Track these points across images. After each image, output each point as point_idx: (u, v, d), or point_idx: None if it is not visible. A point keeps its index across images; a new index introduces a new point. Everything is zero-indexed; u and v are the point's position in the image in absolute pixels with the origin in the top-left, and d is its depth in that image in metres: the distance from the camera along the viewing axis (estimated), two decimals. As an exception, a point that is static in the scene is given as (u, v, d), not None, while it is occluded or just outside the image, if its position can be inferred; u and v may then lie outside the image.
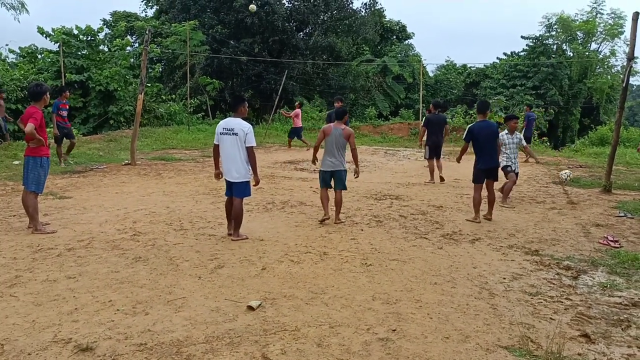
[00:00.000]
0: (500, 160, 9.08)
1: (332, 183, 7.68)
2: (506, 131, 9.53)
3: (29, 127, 6.46)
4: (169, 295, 4.69)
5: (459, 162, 8.92)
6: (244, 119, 6.67)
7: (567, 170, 9.42)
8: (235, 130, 6.41)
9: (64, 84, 17.82)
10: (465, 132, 8.22)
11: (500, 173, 8.68)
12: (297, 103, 21.46)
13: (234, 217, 6.66)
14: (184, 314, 4.30)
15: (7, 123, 15.60)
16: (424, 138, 12.12)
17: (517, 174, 9.67)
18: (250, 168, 6.57)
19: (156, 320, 4.16)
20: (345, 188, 7.73)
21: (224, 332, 3.96)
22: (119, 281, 5.03)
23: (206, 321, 4.15)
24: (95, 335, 3.85)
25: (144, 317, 4.22)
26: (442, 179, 11.77)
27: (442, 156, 12.25)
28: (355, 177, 8.06)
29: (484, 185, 8.15)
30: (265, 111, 29.40)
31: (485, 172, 8.09)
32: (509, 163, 9.51)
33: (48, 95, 6.91)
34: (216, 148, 6.66)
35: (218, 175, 6.82)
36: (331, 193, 7.78)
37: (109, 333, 3.90)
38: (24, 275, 5.11)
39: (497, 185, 8.66)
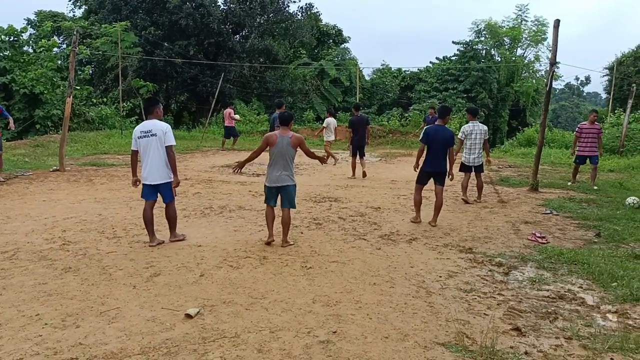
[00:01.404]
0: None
1: (279, 200, 6.71)
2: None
3: None
4: (102, 306, 4.50)
5: (416, 168, 8.35)
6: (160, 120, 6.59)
7: (635, 198, 9.61)
8: (153, 132, 6.32)
9: (2, 89, 16.62)
10: (422, 134, 8.18)
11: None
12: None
13: (169, 220, 6.63)
14: (118, 325, 4.13)
15: None
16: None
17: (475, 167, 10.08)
18: (171, 168, 6.46)
19: (88, 332, 3.98)
20: (294, 206, 6.67)
21: (161, 342, 3.84)
22: (47, 293, 4.78)
23: (142, 331, 4.01)
24: (21, 352, 3.63)
25: (75, 330, 4.02)
26: (364, 174, 12.97)
27: (365, 155, 13.33)
28: (332, 164, 6.81)
29: (434, 190, 8.17)
30: (201, 114, 28.92)
31: (428, 174, 8.12)
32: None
33: None
34: (134, 154, 6.50)
35: (136, 182, 6.63)
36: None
37: (36, 349, 3.69)
38: (-60, 291, 4.77)
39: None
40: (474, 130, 9.81)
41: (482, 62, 36.75)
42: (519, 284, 5.40)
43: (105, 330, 4.02)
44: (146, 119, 6.60)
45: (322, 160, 7.17)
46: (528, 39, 39.39)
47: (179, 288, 5.00)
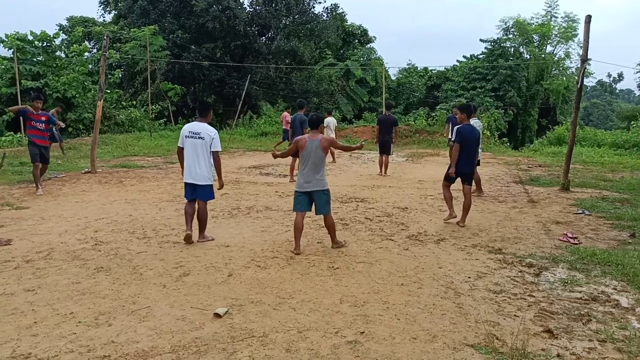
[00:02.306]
0: None
1: (314, 208, 6.43)
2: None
3: None
4: (133, 305, 4.58)
5: (455, 173, 7.92)
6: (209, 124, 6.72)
7: None
8: (201, 135, 6.48)
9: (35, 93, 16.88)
10: (455, 133, 8.05)
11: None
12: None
13: (199, 220, 6.73)
14: (149, 323, 4.20)
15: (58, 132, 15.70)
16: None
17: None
18: (215, 172, 6.64)
19: (120, 331, 4.05)
20: (327, 212, 6.41)
21: (191, 340, 3.89)
22: (81, 292, 4.89)
23: (172, 330, 4.07)
24: (56, 349, 3.72)
25: (107, 328, 4.11)
26: (384, 173, 13.37)
27: (391, 154, 13.57)
28: (360, 148, 6.82)
29: (462, 190, 8.10)
30: (228, 116, 29.19)
31: (458, 174, 7.99)
32: None
33: None
34: (180, 151, 6.66)
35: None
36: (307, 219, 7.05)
37: (70, 346, 3.78)
38: (-21, 290, 4.91)
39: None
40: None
41: (511, 60, 36.21)
42: (551, 286, 5.30)
43: (137, 329, 4.09)
44: (196, 120, 6.71)
45: (355, 148, 6.89)
46: (558, 35, 38.61)
47: (208, 288, 5.06)
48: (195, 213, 6.74)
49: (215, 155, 6.55)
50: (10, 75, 20.59)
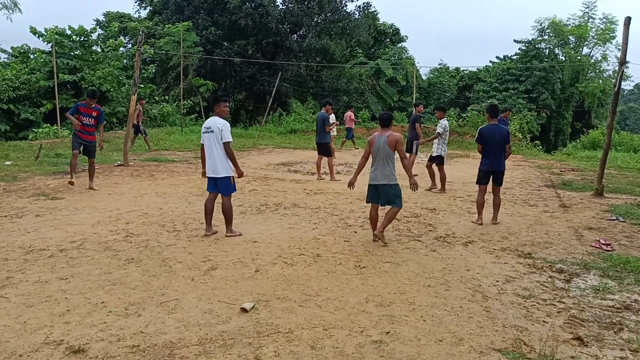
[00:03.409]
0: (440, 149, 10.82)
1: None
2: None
3: None
4: (162, 297, 4.67)
5: (482, 172, 8.25)
6: (225, 119, 6.86)
7: None
8: (211, 128, 6.65)
9: (72, 87, 16.24)
10: (477, 134, 8.25)
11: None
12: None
13: (224, 214, 6.85)
14: (177, 315, 4.27)
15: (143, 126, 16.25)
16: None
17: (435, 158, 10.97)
18: (232, 162, 6.76)
19: (149, 322, 4.13)
20: (392, 204, 6.71)
21: (217, 334, 3.94)
22: (112, 282, 5.00)
23: (199, 323, 4.13)
24: (87, 337, 3.82)
25: (137, 318, 4.19)
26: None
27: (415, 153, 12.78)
28: (414, 191, 7.07)
29: (491, 189, 8.20)
30: (258, 113, 29.39)
31: (487, 174, 8.13)
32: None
33: None
34: (202, 147, 6.86)
35: (204, 174, 6.98)
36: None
37: (101, 335, 3.87)
38: (15, 277, 5.07)
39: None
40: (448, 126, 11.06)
41: (545, 61, 35.54)
42: (581, 292, 5.19)
43: (165, 320, 4.17)
44: (211, 116, 6.92)
45: (411, 181, 6.91)
46: (595, 37, 37.70)
47: (235, 282, 5.12)
48: (220, 209, 6.88)
49: (225, 146, 6.65)
50: (48, 68, 21.14)
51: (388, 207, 6.82)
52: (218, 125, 6.62)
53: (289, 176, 12.77)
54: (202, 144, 6.83)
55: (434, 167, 11.07)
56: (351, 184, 7.07)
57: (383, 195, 6.74)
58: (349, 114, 20.36)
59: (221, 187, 6.77)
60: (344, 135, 21.02)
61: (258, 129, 24.67)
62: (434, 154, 10.94)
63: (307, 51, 30.63)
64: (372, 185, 6.80)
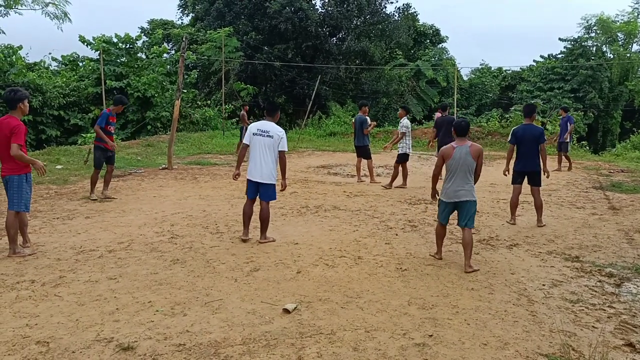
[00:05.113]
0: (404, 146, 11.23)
1: (457, 217, 6.04)
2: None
3: (15, 149, 5.64)
4: (207, 297, 4.76)
5: (507, 173, 8.35)
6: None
7: None
8: (270, 133, 6.51)
9: (118, 93, 15.35)
10: (510, 134, 8.13)
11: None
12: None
13: (262, 220, 6.69)
14: (221, 315, 4.35)
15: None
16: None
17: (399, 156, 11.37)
18: (280, 172, 6.69)
19: (194, 321, 4.23)
20: (472, 225, 5.92)
21: (261, 334, 4.00)
22: (158, 282, 5.13)
23: (243, 323, 4.20)
24: (135, 335, 3.93)
25: (183, 318, 4.29)
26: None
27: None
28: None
29: (530, 191, 8.07)
30: (298, 116, 29.56)
31: (521, 174, 8.02)
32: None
33: (26, 104, 5.97)
34: (245, 148, 6.74)
35: (237, 175, 6.86)
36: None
37: (149, 333, 3.98)
38: (67, 276, 5.27)
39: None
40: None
41: (592, 59, 34.39)
42: (633, 297, 5.02)
43: (210, 320, 4.25)
44: (265, 119, 6.74)
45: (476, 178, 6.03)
46: (646, 33, 36.28)
47: (277, 283, 5.17)
48: (258, 214, 6.70)
49: (282, 155, 6.59)
50: (96, 75, 21.88)
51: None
52: (278, 132, 6.52)
53: (329, 179, 12.81)
54: (246, 145, 6.65)
55: (394, 164, 11.54)
56: (434, 197, 6.38)
57: (464, 213, 5.87)
58: (437, 114, 19.44)
59: (264, 193, 6.62)
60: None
61: (298, 132, 24.82)
62: (400, 152, 11.32)
63: (347, 54, 30.63)
64: (451, 203, 5.92)
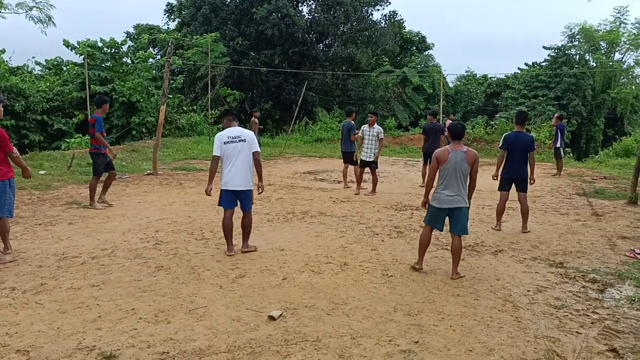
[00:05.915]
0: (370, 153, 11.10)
1: (448, 223, 5.87)
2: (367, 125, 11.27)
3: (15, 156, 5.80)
4: (191, 304, 4.71)
5: (496, 177, 8.25)
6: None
7: None
8: (242, 137, 6.27)
9: (102, 96, 15.04)
10: (502, 140, 8.13)
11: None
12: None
13: (244, 228, 6.50)
14: (206, 323, 4.31)
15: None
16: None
17: (370, 163, 11.19)
18: (257, 174, 6.47)
19: (178, 328, 4.18)
20: (466, 232, 5.80)
21: (246, 341, 3.96)
22: (142, 289, 5.07)
23: (227, 330, 4.16)
24: (118, 343, 3.88)
25: (166, 325, 4.24)
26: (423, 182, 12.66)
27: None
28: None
29: (517, 197, 8.14)
30: (285, 122, 29.56)
31: (509, 180, 8.07)
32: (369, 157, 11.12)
33: (0, 108, 5.92)
34: (216, 160, 6.33)
35: (210, 190, 6.40)
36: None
37: (131, 341, 3.93)
38: (49, 283, 5.19)
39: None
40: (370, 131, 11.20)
41: (576, 67, 34.89)
42: (616, 303, 5.06)
43: (194, 327, 4.21)
44: (229, 127, 6.45)
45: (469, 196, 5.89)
46: (627, 42, 36.84)
47: (263, 290, 5.14)
48: (241, 222, 6.48)
49: (257, 155, 6.35)
50: (80, 80, 21.71)
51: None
52: (249, 134, 6.33)
53: (315, 184, 12.79)
54: (217, 156, 6.27)
55: (371, 171, 11.36)
56: (425, 205, 6.08)
57: (456, 220, 5.74)
58: (448, 121, 19.43)
59: (244, 200, 6.38)
60: None
61: (284, 137, 24.80)
62: (368, 159, 11.16)
63: (333, 60, 30.73)
64: (442, 209, 5.73)
